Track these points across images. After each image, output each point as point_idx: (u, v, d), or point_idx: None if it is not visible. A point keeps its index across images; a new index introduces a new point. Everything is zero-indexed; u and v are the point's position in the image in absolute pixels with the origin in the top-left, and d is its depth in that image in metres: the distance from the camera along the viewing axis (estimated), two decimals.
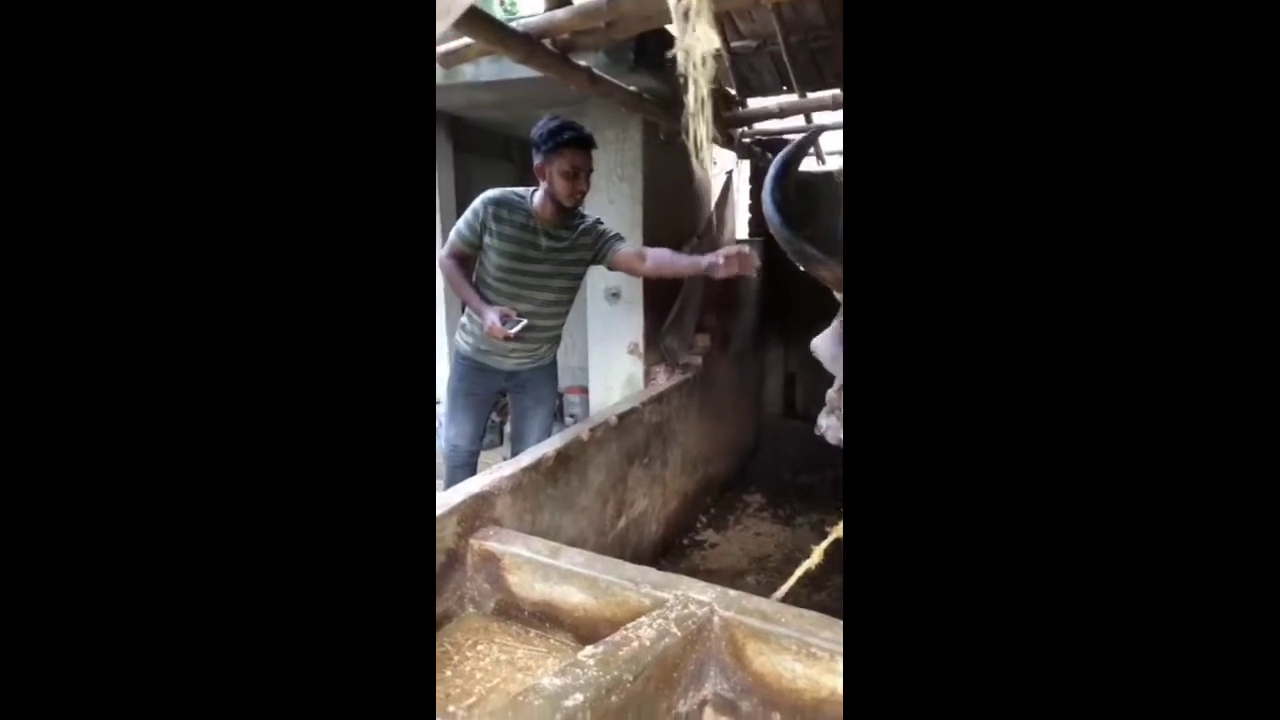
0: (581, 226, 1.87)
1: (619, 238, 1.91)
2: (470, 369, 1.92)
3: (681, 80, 0.84)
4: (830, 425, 1.47)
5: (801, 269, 1.30)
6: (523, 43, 1.40)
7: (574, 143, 1.70)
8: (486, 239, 1.79)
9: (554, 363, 2.04)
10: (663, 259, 1.83)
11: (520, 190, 1.84)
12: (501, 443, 3.24)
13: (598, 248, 1.88)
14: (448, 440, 1.98)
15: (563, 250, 1.84)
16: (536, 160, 1.75)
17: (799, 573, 1.64)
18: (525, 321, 1.76)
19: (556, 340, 2.00)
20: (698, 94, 0.83)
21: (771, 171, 1.36)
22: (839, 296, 1.30)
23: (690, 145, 0.93)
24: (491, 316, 1.73)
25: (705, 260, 1.67)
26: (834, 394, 1.44)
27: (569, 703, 0.74)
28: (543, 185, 1.77)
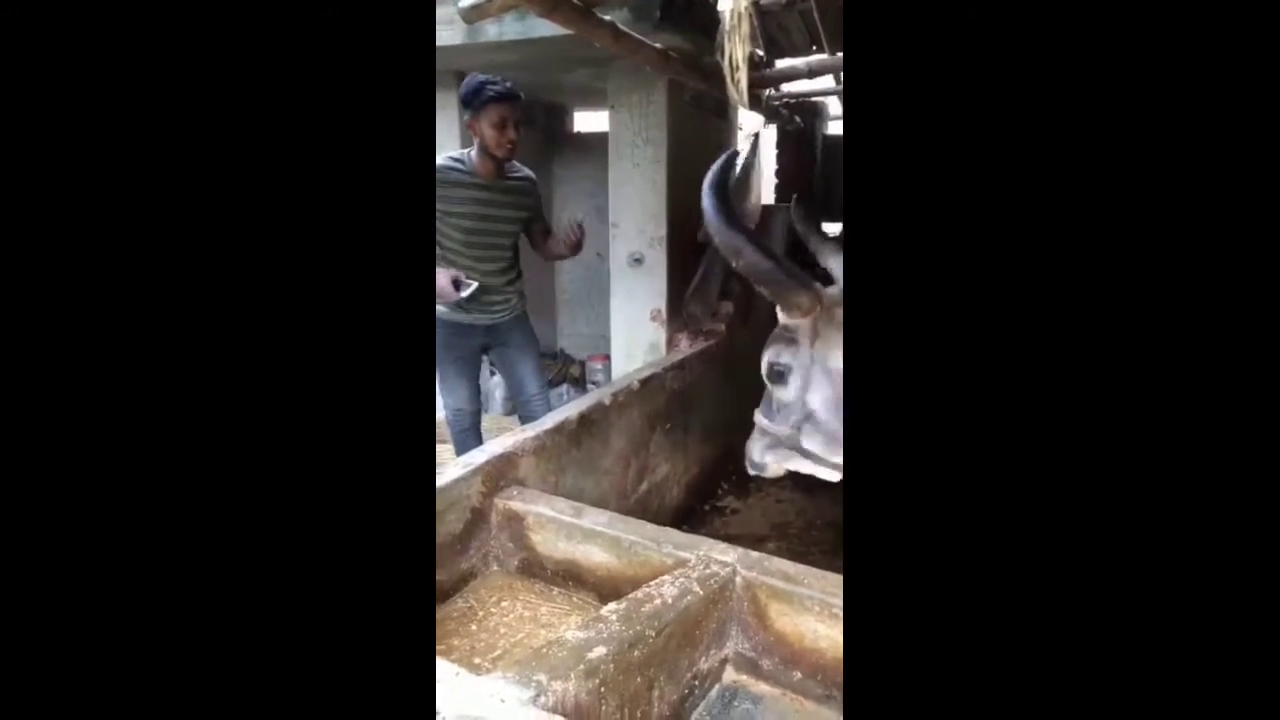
0: (519, 174, 2.00)
1: (541, 207, 2.11)
2: (449, 333, 1.99)
3: None
4: (762, 457, 1.33)
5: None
6: None
7: (498, 97, 1.79)
8: (441, 206, 1.88)
9: (526, 314, 2.17)
10: (552, 249, 2.08)
11: (456, 154, 1.94)
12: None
13: (532, 206, 2.04)
14: (447, 408, 2.07)
15: (507, 199, 1.96)
16: (466, 117, 1.85)
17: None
18: (476, 284, 1.86)
19: (523, 293, 2.13)
20: (736, 7, 0.80)
21: (708, 179, 1.34)
22: (763, 291, 1.21)
23: (726, 67, 0.90)
24: (442, 280, 1.81)
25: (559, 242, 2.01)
26: (766, 418, 1.30)
27: (592, 655, 0.75)
28: (476, 142, 1.87)
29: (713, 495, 2.48)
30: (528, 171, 2.06)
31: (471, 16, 1.55)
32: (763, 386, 1.38)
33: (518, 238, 2.05)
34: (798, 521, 2.32)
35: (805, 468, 1.32)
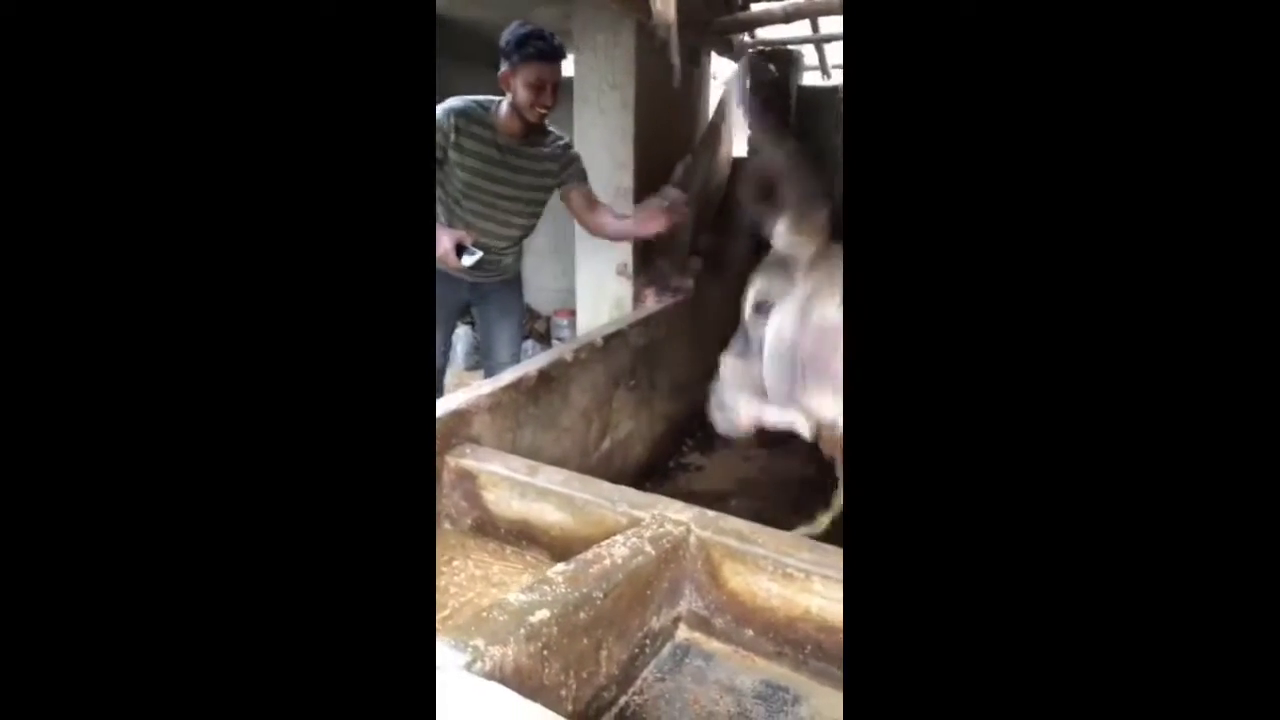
0: (549, 147, 1.80)
1: (583, 175, 1.87)
2: None
3: None
4: (724, 411, 1.23)
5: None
6: None
7: (540, 55, 1.60)
8: (452, 154, 1.71)
9: (518, 276, 2.02)
10: (606, 224, 1.84)
11: (485, 100, 1.74)
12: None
13: (562, 176, 1.82)
14: None
15: (528, 170, 1.77)
16: (503, 69, 1.65)
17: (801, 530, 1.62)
18: (481, 254, 1.69)
19: (519, 255, 1.97)
20: None
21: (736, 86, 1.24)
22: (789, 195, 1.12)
23: (655, 8, 0.84)
24: (445, 243, 1.65)
25: (638, 224, 1.77)
26: (733, 358, 1.22)
27: (534, 618, 0.73)
28: (508, 96, 1.68)
29: (678, 452, 2.47)
30: (562, 137, 1.84)
31: None
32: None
33: (536, 212, 1.85)
34: (762, 478, 2.33)
35: (784, 420, 1.25)
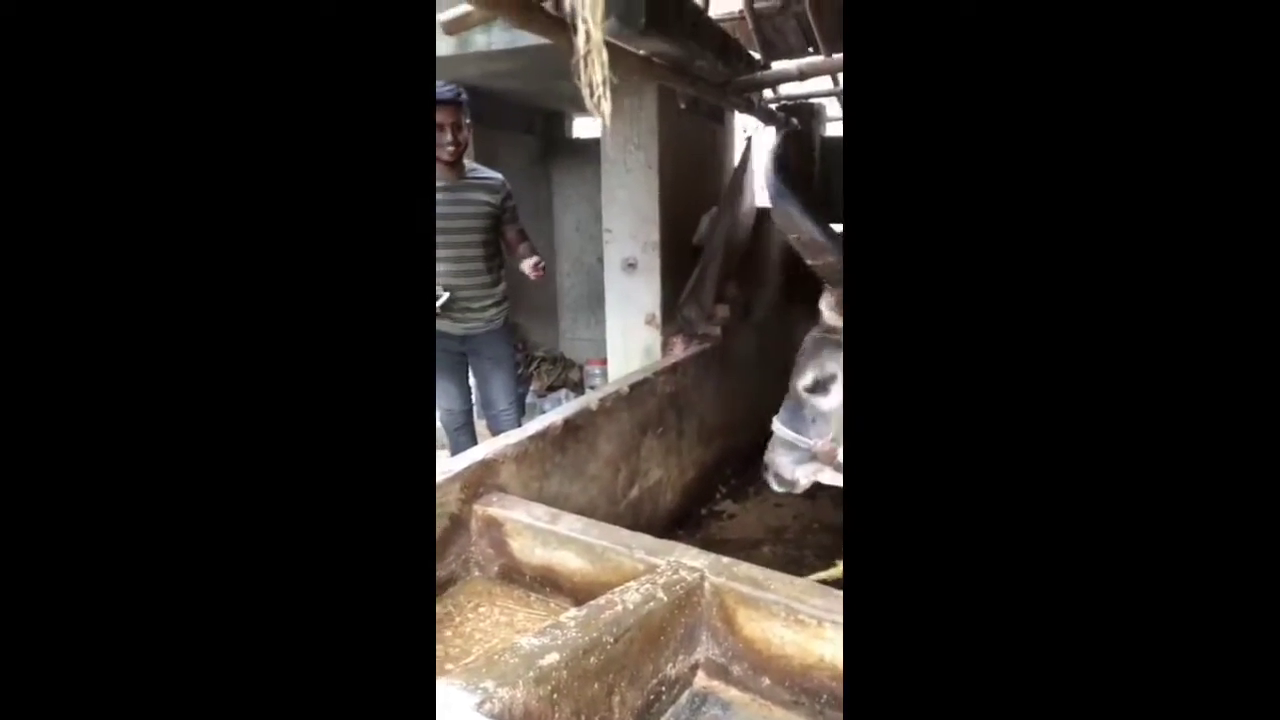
0: (479, 180, 2.05)
1: (515, 214, 2.13)
2: None
3: (571, 21, 0.85)
4: (794, 474, 1.29)
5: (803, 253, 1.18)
6: (519, 6, 1.38)
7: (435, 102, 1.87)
8: None
9: (506, 324, 2.21)
10: (521, 264, 2.07)
11: None
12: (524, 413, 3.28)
13: (502, 208, 2.08)
14: (438, 409, 2.14)
15: (466, 201, 2.01)
16: None
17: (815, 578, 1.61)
18: (448, 295, 1.93)
19: (503, 303, 2.16)
20: (589, 34, 0.81)
21: (773, 153, 1.30)
22: (822, 271, 1.16)
23: (584, 90, 0.91)
24: None
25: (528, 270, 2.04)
26: (793, 430, 1.26)
27: (544, 661, 0.75)
28: None
29: (710, 499, 2.47)
30: (494, 173, 2.11)
31: (452, 28, 1.57)
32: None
33: (487, 241, 2.08)
34: (794, 525, 2.31)
35: (840, 480, 1.28)
